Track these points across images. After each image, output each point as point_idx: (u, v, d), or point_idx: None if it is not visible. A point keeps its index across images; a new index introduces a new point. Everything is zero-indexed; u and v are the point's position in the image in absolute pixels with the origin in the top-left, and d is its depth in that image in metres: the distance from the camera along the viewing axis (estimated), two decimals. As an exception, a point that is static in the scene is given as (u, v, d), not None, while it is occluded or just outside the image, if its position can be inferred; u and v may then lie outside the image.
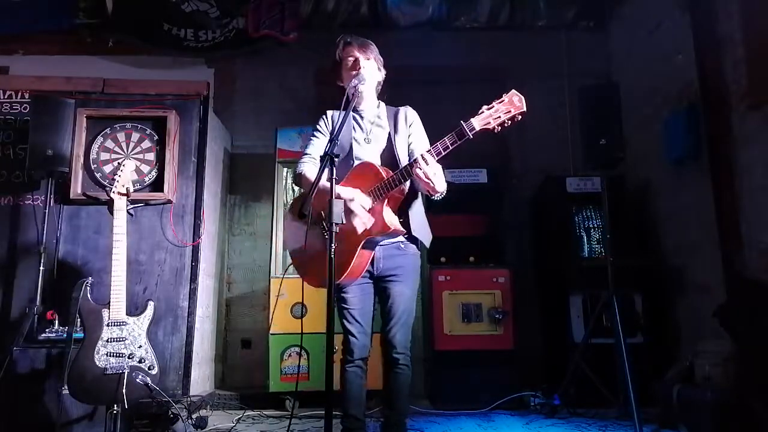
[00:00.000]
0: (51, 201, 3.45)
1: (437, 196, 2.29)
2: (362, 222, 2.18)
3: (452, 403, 3.68)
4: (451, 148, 2.16)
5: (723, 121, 3.45)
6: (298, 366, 3.70)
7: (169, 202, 3.61)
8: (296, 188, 3.99)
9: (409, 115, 2.53)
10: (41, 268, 3.26)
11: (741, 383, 2.80)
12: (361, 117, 2.49)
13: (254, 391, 4.02)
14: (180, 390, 3.40)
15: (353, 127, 2.46)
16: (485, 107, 2.21)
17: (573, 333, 3.78)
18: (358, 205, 2.19)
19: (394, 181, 2.18)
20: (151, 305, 2.83)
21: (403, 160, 2.35)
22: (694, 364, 3.07)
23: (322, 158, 2.08)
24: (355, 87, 2.32)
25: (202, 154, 3.79)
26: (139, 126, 3.69)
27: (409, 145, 2.46)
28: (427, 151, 2.17)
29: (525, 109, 2.20)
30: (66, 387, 2.62)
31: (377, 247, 2.27)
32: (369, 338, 2.31)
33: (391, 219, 2.21)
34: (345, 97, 2.31)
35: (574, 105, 4.53)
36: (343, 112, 2.27)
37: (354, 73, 2.40)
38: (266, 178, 4.27)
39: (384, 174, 2.22)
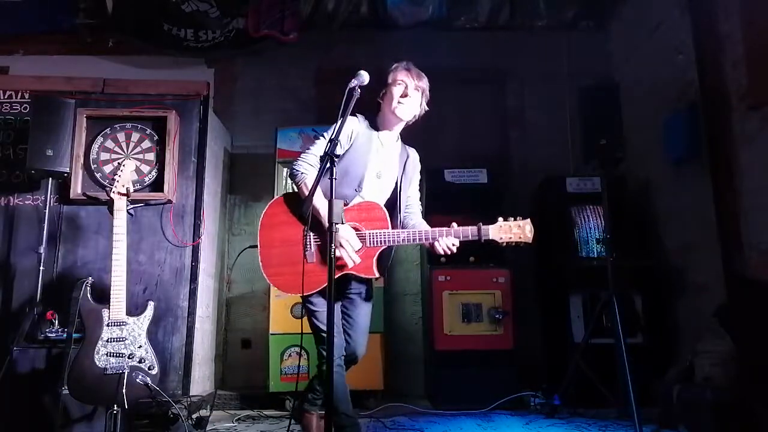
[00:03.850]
0: (51, 201, 3.45)
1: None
2: (352, 260, 2.31)
3: (452, 403, 3.68)
4: (469, 239, 2.38)
5: (723, 121, 3.45)
6: (298, 366, 3.70)
7: (169, 202, 3.61)
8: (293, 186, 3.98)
9: (416, 162, 2.62)
10: (41, 268, 3.26)
11: (741, 383, 2.80)
12: (382, 144, 2.51)
13: (254, 391, 4.02)
14: (180, 390, 3.40)
15: (371, 153, 2.47)
16: (501, 219, 2.41)
17: (573, 333, 3.78)
18: (349, 244, 2.31)
19: (407, 241, 2.36)
20: (151, 305, 2.83)
21: (402, 206, 2.52)
22: (694, 364, 3.08)
23: (322, 158, 2.11)
24: (354, 87, 2.32)
25: (202, 154, 3.79)
26: (139, 126, 3.69)
27: (408, 193, 2.59)
28: (454, 234, 2.36)
29: (531, 240, 2.38)
30: (66, 387, 2.62)
31: None
32: (342, 338, 2.40)
33: (376, 267, 2.35)
34: (345, 96, 2.30)
35: (574, 105, 4.53)
36: (367, 127, 2.43)
37: (401, 99, 2.46)
38: (266, 178, 4.27)
39: (389, 223, 2.37)
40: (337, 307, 2.39)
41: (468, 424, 3.33)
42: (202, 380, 3.81)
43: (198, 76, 4.69)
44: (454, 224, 2.36)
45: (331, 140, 2.12)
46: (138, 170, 3.53)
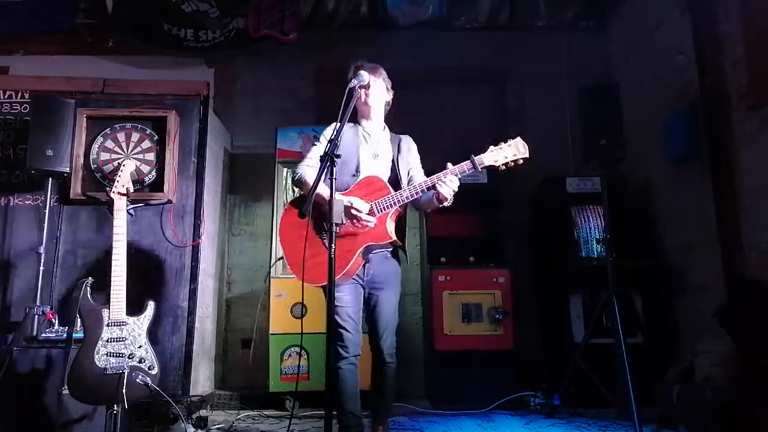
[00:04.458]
0: (51, 201, 3.44)
1: (446, 203, 2.43)
2: (365, 226, 2.35)
3: (452, 403, 3.68)
4: (467, 172, 2.37)
5: (723, 121, 3.45)
6: (298, 366, 3.70)
7: (169, 202, 3.61)
8: (296, 189, 4.00)
9: (410, 144, 2.68)
10: (41, 268, 3.25)
11: (741, 383, 2.80)
12: (369, 134, 2.62)
13: (254, 391, 4.02)
14: (180, 390, 3.40)
15: (360, 142, 2.58)
16: (492, 146, 2.39)
17: (573, 333, 3.78)
18: (356, 209, 2.33)
19: (412, 195, 2.36)
20: (151, 305, 2.82)
21: (404, 184, 2.53)
22: (694, 364, 3.08)
23: (322, 158, 2.12)
24: (354, 87, 2.34)
25: (202, 154, 3.79)
26: (139, 126, 3.69)
27: (408, 171, 2.62)
28: (451, 172, 2.34)
29: (528, 156, 2.35)
30: (66, 387, 2.62)
31: (370, 255, 2.43)
32: (360, 336, 2.42)
33: (392, 230, 2.41)
34: (345, 96, 2.33)
35: (574, 105, 4.53)
36: (349, 125, 2.47)
37: (367, 94, 2.54)
38: (266, 178, 4.27)
39: (390, 189, 2.40)
40: (358, 299, 2.44)
41: (468, 424, 3.33)
42: (201, 380, 3.81)
43: (198, 76, 4.69)
44: (449, 164, 2.37)
45: (330, 140, 2.13)
46: (138, 170, 3.53)
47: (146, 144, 3.68)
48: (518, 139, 2.38)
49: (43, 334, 3.11)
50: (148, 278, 3.52)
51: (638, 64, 4.47)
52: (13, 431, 2.86)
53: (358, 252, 2.35)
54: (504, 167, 2.37)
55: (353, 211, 2.32)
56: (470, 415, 3.53)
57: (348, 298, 2.39)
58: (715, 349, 3.02)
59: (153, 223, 3.60)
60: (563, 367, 3.55)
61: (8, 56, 4.83)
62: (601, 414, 3.33)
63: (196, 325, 3.58)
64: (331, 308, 2.03)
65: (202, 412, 3.38)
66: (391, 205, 2.37)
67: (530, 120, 4.96)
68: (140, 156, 3.65)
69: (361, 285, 2.47)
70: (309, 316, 3.48)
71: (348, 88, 2.34)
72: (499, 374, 3.71)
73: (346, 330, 2.35)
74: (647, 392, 3.16)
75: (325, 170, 2.08)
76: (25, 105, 3.74)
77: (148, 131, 3.69)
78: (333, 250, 2.01)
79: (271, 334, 3.81)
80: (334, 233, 2.02)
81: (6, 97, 3.77)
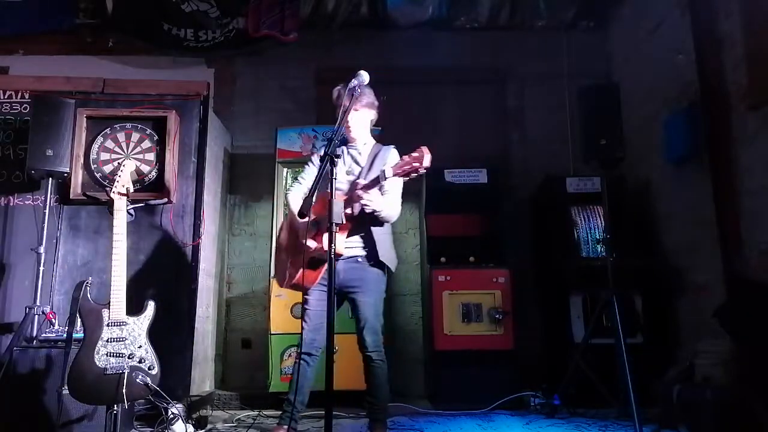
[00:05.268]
0: (51, 201, 3.43)
1: (383, 216, 2.67)
2: (308, 245, 2.60)
3: (452, 403, 3.68)
4: (372, 187, 2.56)
5: (723, 121, 3.45)
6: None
7: (169, 202, 3.60)
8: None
9: (387, 155, 2.79)
10: (41, 268, 3.25)
11: (741, 383, 2.80)
12: (348, 151, 2.84)
13: (254, 391, 4.02)
14: (180, 390, 3.39)
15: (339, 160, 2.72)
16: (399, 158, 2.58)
17: (573, 333, 3.78)
18: (304, 234, 2.61)
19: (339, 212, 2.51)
20: (151, 305, 2.82)
21: None
22: (694, 364, 3.07)
23: (321, 158, 2.20)
24: (354, 87, 2.35)
25: (202, 154, 3.78)
26: (139, 126, 3.69)
27: None
28: (361, 187, 2.57)
29: (428, 165, 2.43)
30: (66, 387, 2.61)
31: (339, 262, 2.59)
32: (318, 335, 2.66)
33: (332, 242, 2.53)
34: (345, 96, 2.36)
35: (574, 105, 4.53)
36: (342, 118, 2.57)
37: (348, 126, 2.77)
38: (266, 178, 4.27)
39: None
40: (322, 303, 2.64)
41: (468, 424, 3.33)
42: (201, 380, 3.80)
43: (198, 76, 4.69)
44: (360, 181, 2.61)
45: (329, 140, 2.14)
46: (138, 170, 3.53)
47: (146, 144, 3.68)
48: (424, 148, 2.42)
49: (43, 334, 3.11)
50: (148, 278, 3.52)
51: (638, 64, 4.47)
52: (13, 431, 2.86)
53: (303, 266, 2.59)
54: (407, 177, 2.50)
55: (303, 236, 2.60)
56: (470, 415, 3.53)
57: (312, 301, 2.70)
58: (715, 349, 3.02)
59: (153, 223, 3.60)
60: (563, 367, 3.56)
61: (8, 56, 4.83)
62: (601, 414, 3.33)
63: (196, 325, 3.57)
64: (331, 308, 2.03)
65: (202, 412, 3.38)
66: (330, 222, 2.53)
67: (530, 120, 4.96)
68: (140, 156, 3.65)
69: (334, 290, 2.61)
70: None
71: (348, 88, 2.36)
72: (499, 374, 3.71)
73: (304, 329, 2.66)
74: (647, 392, 3.16)
75: (325, 170, 2.10)
76: (25, 105, 3.74)
77: (148, 131, 3.69)
78: (333, 250, 2.02)
79: (271, 334, 3.81)
80: (334, 233, 2.03)
81: (6, 97, 3.77)
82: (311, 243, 2.62)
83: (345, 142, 2.85)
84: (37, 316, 3.14)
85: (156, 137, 3.68)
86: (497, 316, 3.78)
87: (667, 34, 4.07)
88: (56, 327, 3.14)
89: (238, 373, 4.44)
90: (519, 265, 4.15)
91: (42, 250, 3.27)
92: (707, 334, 3.19)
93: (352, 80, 2.38)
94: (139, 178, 3.54)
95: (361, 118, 2.82)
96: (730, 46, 3.43)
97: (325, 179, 2.24)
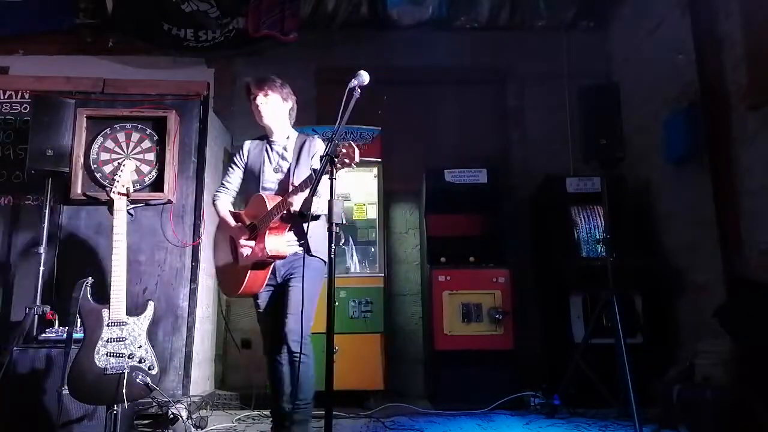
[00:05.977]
0: (51, 201, 3.43)
1: (318, 214, 2.57)
2: (244, 253, 2.58)
3: (452, 403, 3.68)
4: (305, 188, 2.39)
5: (723, 121, 3.45)
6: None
7: (169, 202, 3.61)
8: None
9: (312, 146, 2.76)
10: (41, 268, 3.25)
11: (741, 383, 2.80)
12: (271, 148, 2.80)
13: (254, 391, 4.02)
14: (180, 390, 3.40)
15: (264, 158, 2.76)
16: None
17: (573, 333, 3.78)
18: (238, 240, 2.63)
19: (271, 215, 2.51)
20: (151, 305, 2.82)
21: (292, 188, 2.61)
22: (694, 364, 3.07)
23: (321, 158, 2.16)
24: (354, 87, 2.33)
25: (202, 154, 3.78)
26: (139, 126, 3.69)
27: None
28: (292, 191, 2.48)
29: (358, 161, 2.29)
30: (66, 387, 2.61)
31: (280, 261, 2.60)
32: (276, 336, 2.59)
33: (272, 245, 2.53)
34: (345, 96, 2.32)
35: (574, 105, 4.53)
36: (258, 142, 2.79)
37: (259, 111, 2.73)
38: (266, 178, 4.26)
39: (268, 206, 2.55)
40: (275, 299, 2.67)
41: (468, 424, 3.33)
42: (201, 380, 3.80)
43: (198, 76, 4.68)
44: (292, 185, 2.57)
45: (329, 140, 2.14)
46: (138, 170, 3.53)
47: (146, 144, 3.68)
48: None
49: (43, 334, 3.11)
50: (148, 278, 3.51)
51: (638, 64, 4.47)
52: (13, 431, 2.86)
53: (248, 272, 2.56)
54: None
55: (237, 242, 2.61)
56: (470, 415, 3.53)
57: (261, 303, 2.72)
58: (715, 349, 3.02)
59: (153, 223, 3.60)
60: (563, 367, 3.56)
61: (8, 56, 4.83)
62: (601, 414, 3.33)
63: (196, 325, 3.58)
64: (331, 308, 2.03)
65: (202, 412, 3.38)
66: (265, 221, 2.52)
67: (530, 120, 4.96)
68: (140, 156, 3.65)
69: (276, 287, 2.68)
70: (309, 316, 3.48)
71: (348, 88, 2.34)
72: (499, 374, 3.71)
73: (262, 331, 2.74)
74: (647, 392, 3.16)
75: (325, 170, 2.10)
76: (25, 105, 3.74)
77: (148, 131, 3.69)
78: (334, 250, 2.02)
79: (271, 334, 3.80)
80: (334, 233, 2.03)
81: (6, 97, 3.77)
82: (247, 250, 2.57)
83: (265, 137, 2.82)
84: (37, 316, 3.14)
85: (156, 137, 3.67)
86: (497, 316, 3.78)
87: (667, 34, 4.07)
88: (56, 327, 3.14)
89: (238, 374, 4.43)
90: (519, 265, 4.15)
91: (42, 250, 3.27)
92: (707, 334, 3.19)
93: (352, 80, 2.37)
94: (139, 178, 3.54)
95: (273, 108, 2.74)
96: (730, 46, 3.43)
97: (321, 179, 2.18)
